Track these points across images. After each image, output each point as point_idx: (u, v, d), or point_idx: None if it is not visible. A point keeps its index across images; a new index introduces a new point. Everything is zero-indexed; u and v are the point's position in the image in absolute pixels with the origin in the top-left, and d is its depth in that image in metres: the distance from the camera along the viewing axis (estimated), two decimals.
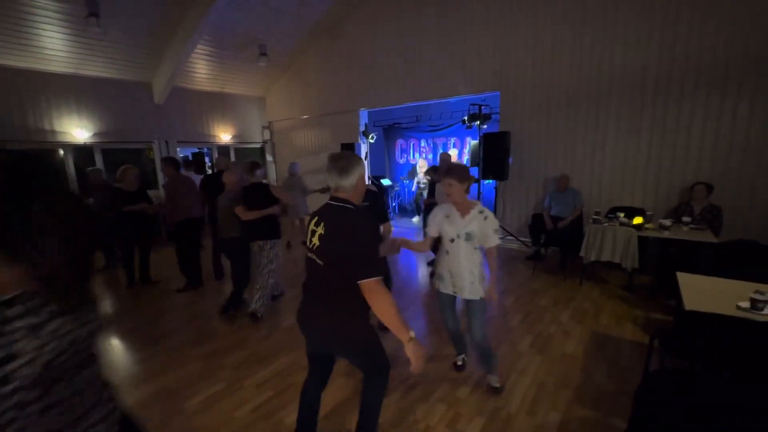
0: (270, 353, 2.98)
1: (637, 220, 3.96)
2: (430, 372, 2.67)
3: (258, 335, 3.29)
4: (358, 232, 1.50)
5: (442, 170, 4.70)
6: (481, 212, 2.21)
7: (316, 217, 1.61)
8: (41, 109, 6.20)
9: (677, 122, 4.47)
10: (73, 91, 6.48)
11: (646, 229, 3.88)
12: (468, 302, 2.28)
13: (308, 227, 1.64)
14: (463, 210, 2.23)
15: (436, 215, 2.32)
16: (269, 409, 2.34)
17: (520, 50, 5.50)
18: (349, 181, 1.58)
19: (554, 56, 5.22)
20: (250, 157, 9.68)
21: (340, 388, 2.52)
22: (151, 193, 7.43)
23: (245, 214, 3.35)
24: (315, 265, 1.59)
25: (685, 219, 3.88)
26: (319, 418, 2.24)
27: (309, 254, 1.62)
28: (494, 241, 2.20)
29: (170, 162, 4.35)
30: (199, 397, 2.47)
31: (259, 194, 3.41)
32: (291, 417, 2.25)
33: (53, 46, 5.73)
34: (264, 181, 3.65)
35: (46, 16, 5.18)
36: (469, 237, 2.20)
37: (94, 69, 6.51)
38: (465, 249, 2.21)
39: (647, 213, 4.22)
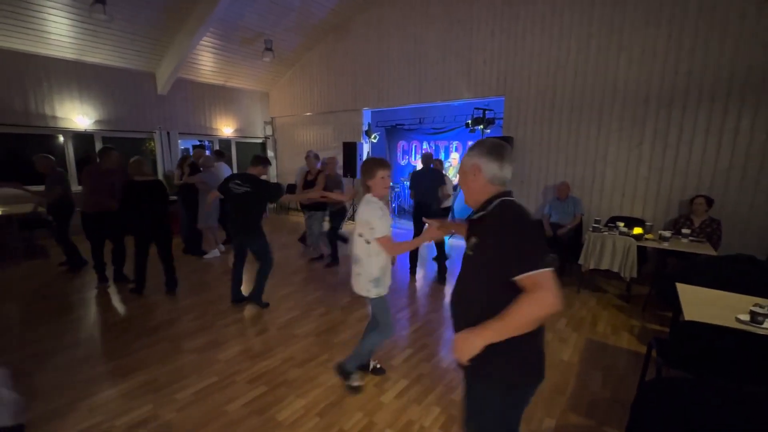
0: (264, 349, 2.95)
1: (637, 230, 3.97)
2: (424, 374, 2.65)
3: (252, 331, 3.26)
4: None
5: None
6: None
7: None
8: (43, 94, 6.16)
9: (679, 136, 4.49)
10: (76, 77, 6.44)
11: (646, 239, 3.89)
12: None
13: None
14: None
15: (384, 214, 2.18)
16: (262, 404, 2.31)
17: (526, 57, 5.52)
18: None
19: (559, 65, 5.24)
20: (252, 152, 9.70)
21: (334, 385, 2.51)
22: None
23: None
24: None
25: (685, 231, 3.90)
26: (315, 414, 2.22)
27: None
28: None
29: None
30: (191, 389, 2.44)
31: None
32: (284, 413, 2.23)
33: (58, 31, 5.70)
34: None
35: (52, 0, 5.15)
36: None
37: (99, 56, 6.48)
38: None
39: (647, 224, 4.22)
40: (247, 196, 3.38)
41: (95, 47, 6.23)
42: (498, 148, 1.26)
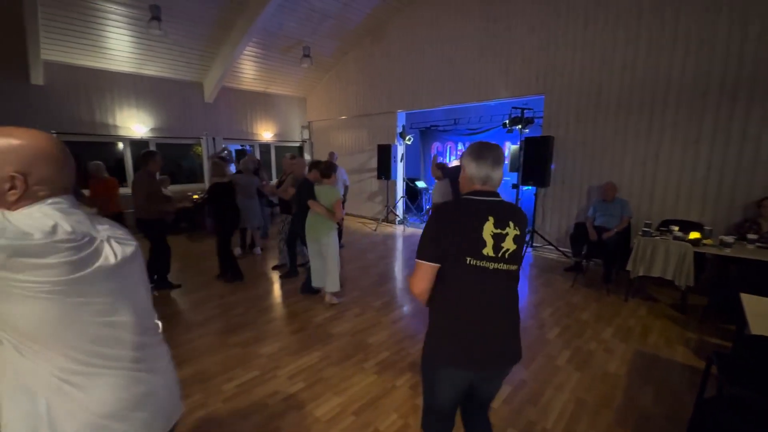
0: (302, 347, 3.05)
1: (694, 234, 3.67)
2: None
3: (291, 328, 3.38)
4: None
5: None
6: None
7: (493, 218, 1.31)
8: (106, 105, 6.76)
9: (744, 131, 4.10)
10: (134, 89, 7.01)
11: (704, 245, 3.58)
12: None
13: (483, 233, 1.29)
14: None
15: None
16: (300, 400, 2.39)
17: (568, 53, 5.28)
18: (500, 174, 1.39)
19: (605, 59, 4.96)
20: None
21: (369, 385, 2.54)
22: (193, 187, 8.01)
23: None
24: (497, 277, 1.32)
25: (751, 236, 3.54)
26: (351, 412, 2.27)
27: (491, 265, 1.30)
28: None
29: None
30: (236, 381, 2.58)
31: None
32: (320, 410, 2.29)
33: (119, 47, 6.24)
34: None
35: (113, 20, 5.65)
36: None
37: (154, 69, 7.01)
38: None
39: (705, 228, 3.89)
40: (299, 197, 4.02)
41: (151, 60, 6.76)
42: (477, 150, 1.40)
